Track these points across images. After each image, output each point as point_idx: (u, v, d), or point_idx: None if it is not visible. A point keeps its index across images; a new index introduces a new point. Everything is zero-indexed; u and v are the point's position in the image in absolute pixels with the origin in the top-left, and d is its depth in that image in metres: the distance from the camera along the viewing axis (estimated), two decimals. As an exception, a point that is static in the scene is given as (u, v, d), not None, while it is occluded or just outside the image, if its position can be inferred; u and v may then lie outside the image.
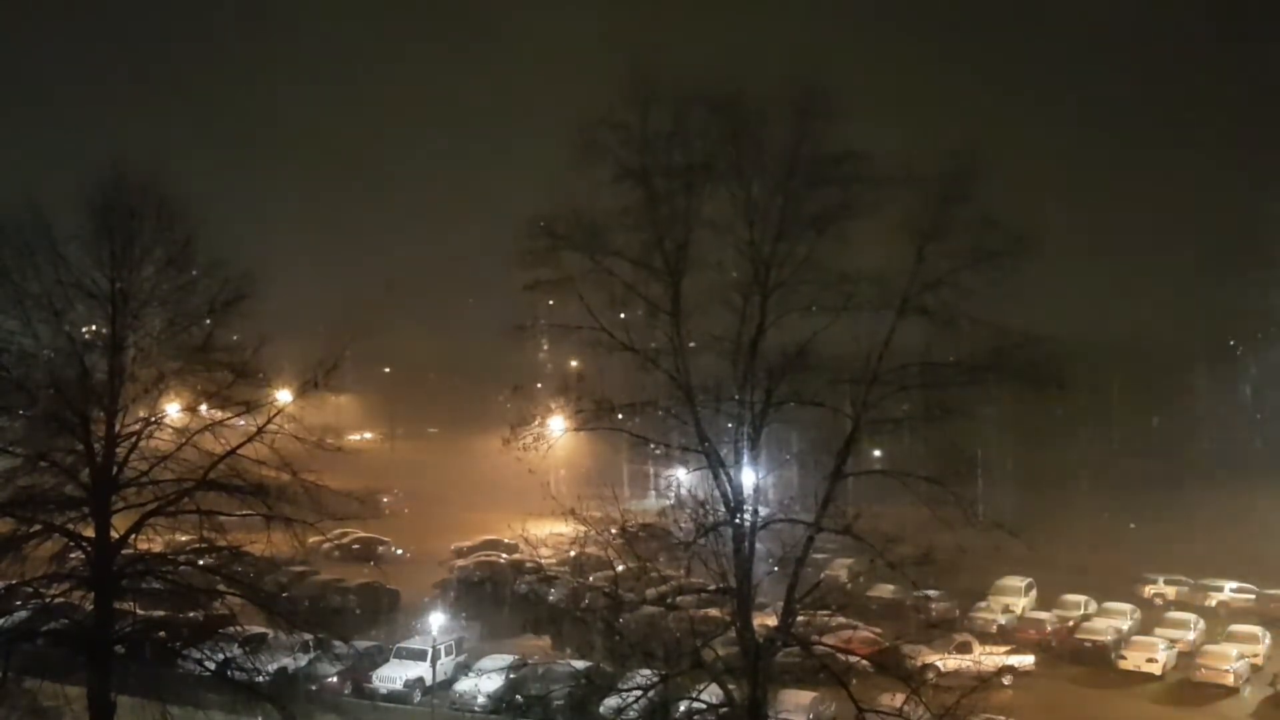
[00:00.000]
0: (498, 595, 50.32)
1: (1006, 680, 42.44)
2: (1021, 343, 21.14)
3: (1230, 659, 46.60)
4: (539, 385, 23.53)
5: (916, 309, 21.50)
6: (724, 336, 22.03)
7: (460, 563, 59.34)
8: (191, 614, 26.48)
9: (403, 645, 44.20)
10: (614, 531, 22.68)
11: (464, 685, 40.82)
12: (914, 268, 21.37)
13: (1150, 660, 47.44)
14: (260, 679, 26.02)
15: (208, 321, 25.63)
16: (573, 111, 22.10)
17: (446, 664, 42.70)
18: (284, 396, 26.97)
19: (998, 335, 21.28)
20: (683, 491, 22.59)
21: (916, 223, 21.27)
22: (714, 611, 24.23)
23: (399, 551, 60.98)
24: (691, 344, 22.24)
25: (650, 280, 21.94)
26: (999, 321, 21.36)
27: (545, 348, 24.23)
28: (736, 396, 21.94)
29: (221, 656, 25.98)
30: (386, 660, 43.56)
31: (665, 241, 21.79)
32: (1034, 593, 55.94)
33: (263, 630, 27.19)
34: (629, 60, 21.34)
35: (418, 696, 42.19)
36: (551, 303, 22.16)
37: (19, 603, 25.62)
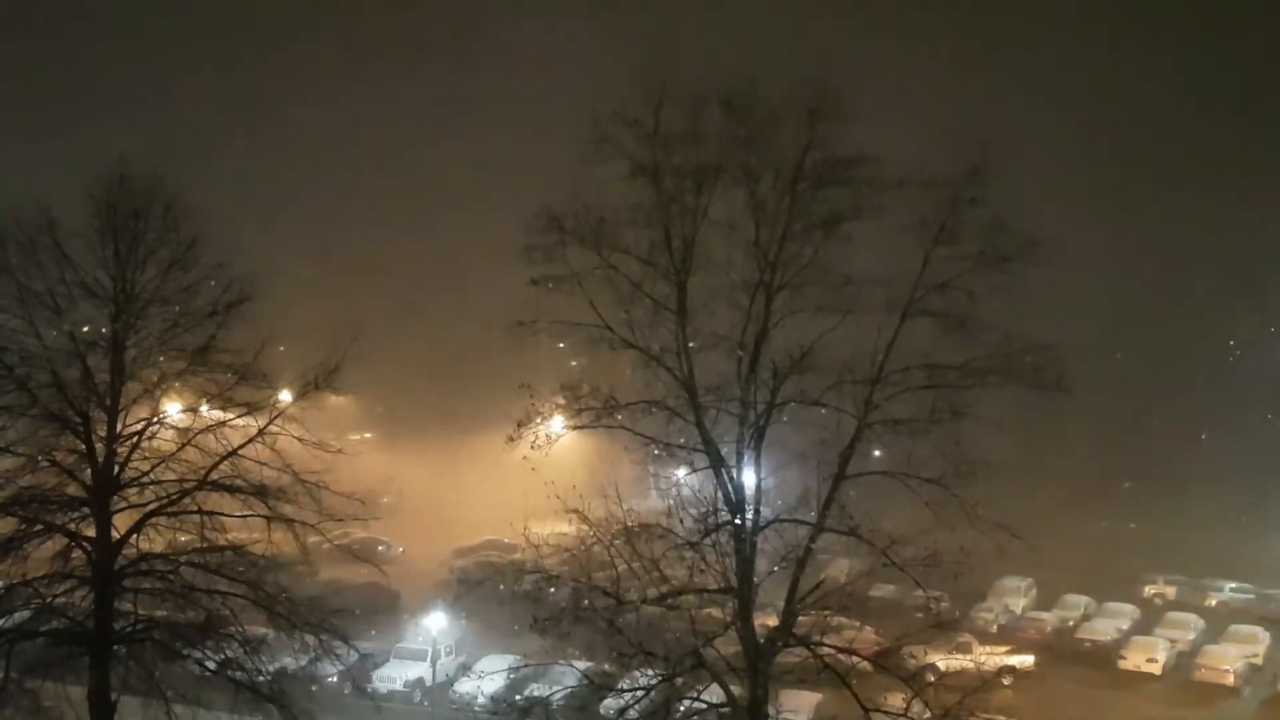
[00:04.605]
0: (498, 595, 50.23)
1: (1007, 680, 42.49)
2: (1026, 347, 21.20)
3: (1230, 659, 46.70)
4: (541, 384, 23.42)
5: (922, 311, 21.54)
6: (729, 336, 22.07)
7: (460, 563, 59.28)
8: (192, 614, 26.43)
9: (403, 645, 44.25)
10: (616, 531, 22.65)
11: (465, 686, 40.81)
12: (921, 270, 21.42)
13: (1150, 660, 47.58)
14: (261, 679, 25.99)
15: (210, 322, 25.61)
16: (582, 109, 22.04)
17: (446, 664, 42.74)
18: (285, 397, 26.98)
19: (1003, 339, 21.32)
20: (685, 491, 22.59)
21: (925, 225, 21.32)
22: (715, 611, 24.20)
23: (399, 551, 60.98)
24: (692, 344, 22.23)
25: (656, 278, 21.95)
26: (1004, 324, 21.40)
27: (549, 346, 24.14)
28: (740, 396, 21.96)
29: (222, 656, 25.97)
30: (386, 660, 43.56)
31: (673, 240, 21.81)
32: (1034, 593, 56.02)
33: (263, 630, 27.16)
34: (643, 58, 21.35)
35: (418, 696, 42.21)
36: (556, 298, 22.14)
37: (20, 603, 25.55)
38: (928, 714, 21.86)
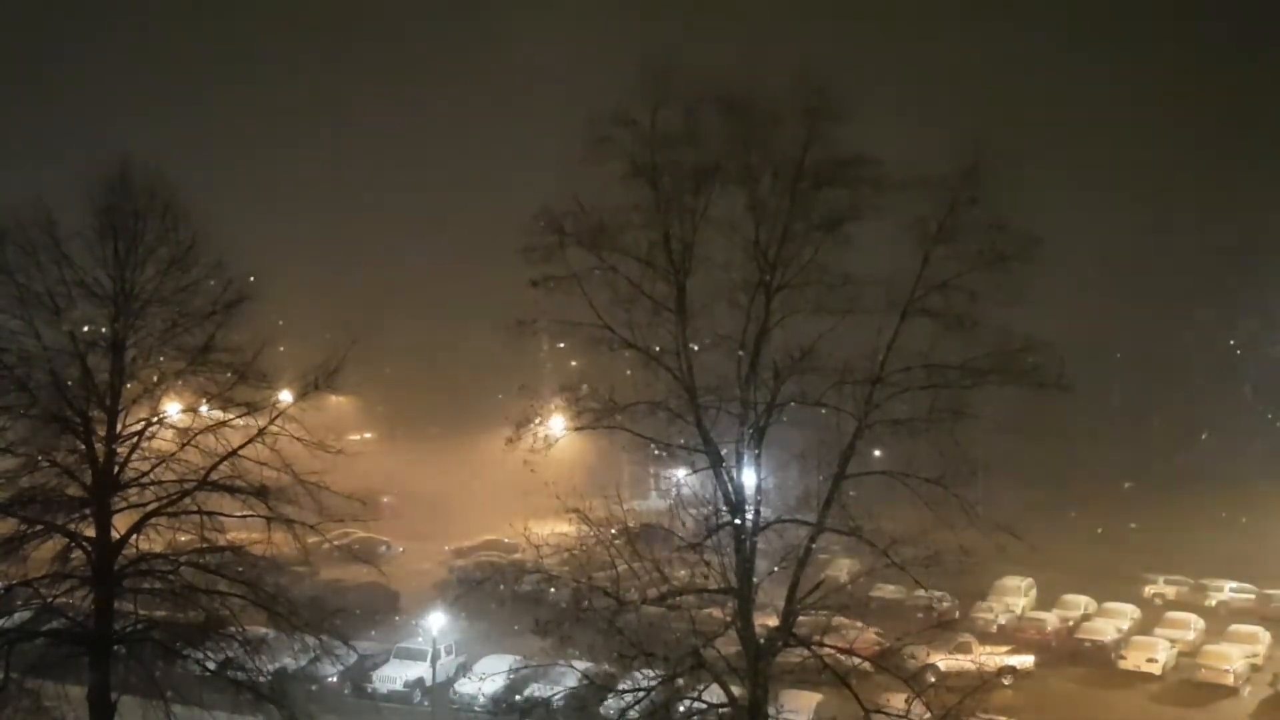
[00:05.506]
0: (498, 595, 50.22)
1: (1007, 680, 42.54)
2: (1026, 346, 21.20)
3: (1230, 659, 46.65)
4: (541, 384, 23.43)
5: (922, 311, 21.53)
6: (729, 336, 22.05)
7: (460, 563, 59.34)
8: (192, 614, 26.42)
9: (403, 645, 44.21)
10: (616, 531, 22.65)
11: (465, 686, 40.79)
12: (920, 270, 21.41)
13: (1150, 660, 47.51)
14: (261, 679, 25.97)
15: (210, 322, 25.59)
16: (581, 109, 22.02)
17: (446, 664, 42.68)
18: (285, 398, 26.96)
19: (1002, 338, 21.32)
20: (685, 491, 22.58)
21: (924, 225, 21.33)
22: (716, 612, 24.21)
23: (399, 551, 61.03)
24: (694, 346, 22.21)
25: (656, 279, 21.92)
26: (1003, 323, 21.40)
27: (548, 346, 24.15)
28: (740, 396, 21.94)
29: (222, 656, 25.94)
30: (386, 660, 43.55)
31: (672, 240, 21.78)
32: (1034, 593, 56.00)
33: (263, 630, 27.14)
34: (642, 58, 21.31)
35: (418, 696, 42.19)
36: (556, 299, 22.13)
37: (20, 603, 25.56)
38: (928, 714, 21.84)
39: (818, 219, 21.62)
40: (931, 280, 21.50)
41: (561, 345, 24.20)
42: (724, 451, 22.17)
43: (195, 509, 25.77)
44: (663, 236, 21.81)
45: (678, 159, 21.61)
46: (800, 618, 22.43)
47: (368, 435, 75.73)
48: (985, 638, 47.96)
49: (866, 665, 23.28)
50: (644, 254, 21.89)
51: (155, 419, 25.72)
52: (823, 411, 22.32)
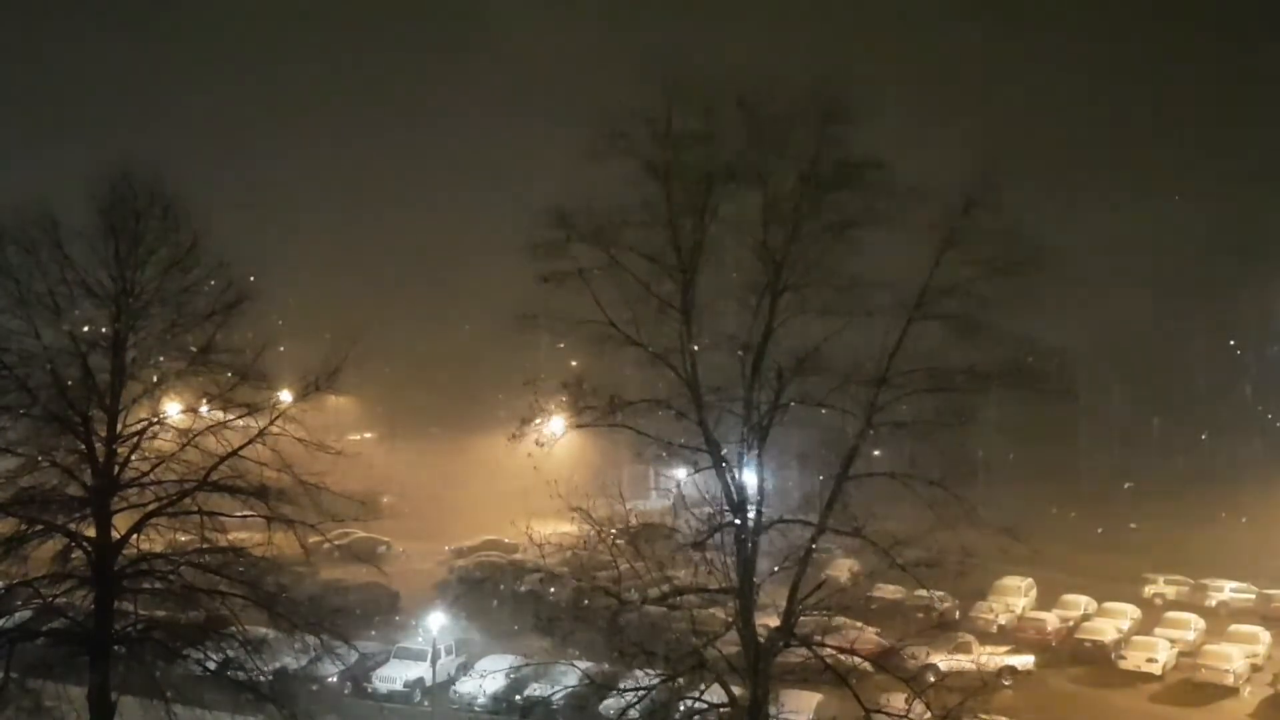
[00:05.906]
0: (498, 595, 50.26)
1: (1007, 680, 42.55)
2: (1031, 352, 21.19)
3: (1230, 659, 46.61)
4: (542, 381, 23.39)
5: (929, 315, 21.51)
6: (734, 336, 22.05)
7: (460, 563, 59.32)
8: (192, 614, 26.42)
9: (403, 645, 44.18)
10: (617, 530, 22.65)
11: (466, 686, 40.79)
12: (929, 274, 21.39)
13: (1150, 660, 47.44)
14: (261, 679, 25.96)
15: (210, 323, 25.58)
16: (590, 106, 21.96)
17: (447, 664, 42.66)
18: (286, 398, 26.96)
19: (1008, 343, 21.30)
20: (688, 491, 22.57)
21: (935, 230, 21.32)
22: (717, 611, 24.22)
23: (399, 551, 61.00)
24: (694, 346, 22.20)
25: (663, 277, 21.91)
26: (1009, 329, 21.39)
27: (550, 346, 24.13)
28: (744, 396, 21.93)
29: (222, 656, 25.94)
30: (386, 660, 43.54)
31: (680, 239, 21.77)
32: (1034, 593, 55.95)
33: (263, 630, 27.14)
34: (656, 57, 21.27)
35: (418, 696, 42.18)
36: (560, 297, 22.09)
37: (20, 603, 25.56)
38: (928, 714, 21.86)
39: (828, 222, 21.61)
40: (940, 285, 21.49)
41: (562, 345, 24.19)
42: (726, 451, 22.17)
43: (195, 509, 25.79)
44: (671, 234, 21.78)
45: (690, 158, 21.58)
46: (801, 618, 22.42)
47: (368, 435, 75.58)
48: (985, 638, 47.85)
49: (867, 665, 23.30)
50: (652, 252, 21.87)
51: (155, 419, 25.75)
52: (823, 412, 22.32)
